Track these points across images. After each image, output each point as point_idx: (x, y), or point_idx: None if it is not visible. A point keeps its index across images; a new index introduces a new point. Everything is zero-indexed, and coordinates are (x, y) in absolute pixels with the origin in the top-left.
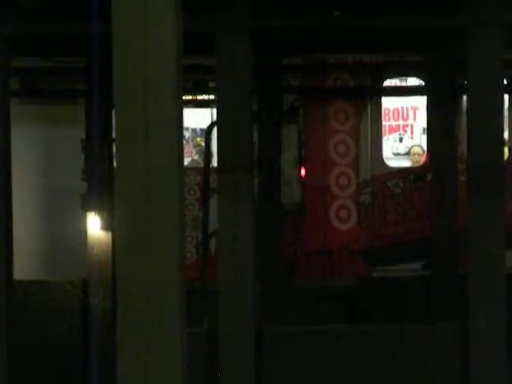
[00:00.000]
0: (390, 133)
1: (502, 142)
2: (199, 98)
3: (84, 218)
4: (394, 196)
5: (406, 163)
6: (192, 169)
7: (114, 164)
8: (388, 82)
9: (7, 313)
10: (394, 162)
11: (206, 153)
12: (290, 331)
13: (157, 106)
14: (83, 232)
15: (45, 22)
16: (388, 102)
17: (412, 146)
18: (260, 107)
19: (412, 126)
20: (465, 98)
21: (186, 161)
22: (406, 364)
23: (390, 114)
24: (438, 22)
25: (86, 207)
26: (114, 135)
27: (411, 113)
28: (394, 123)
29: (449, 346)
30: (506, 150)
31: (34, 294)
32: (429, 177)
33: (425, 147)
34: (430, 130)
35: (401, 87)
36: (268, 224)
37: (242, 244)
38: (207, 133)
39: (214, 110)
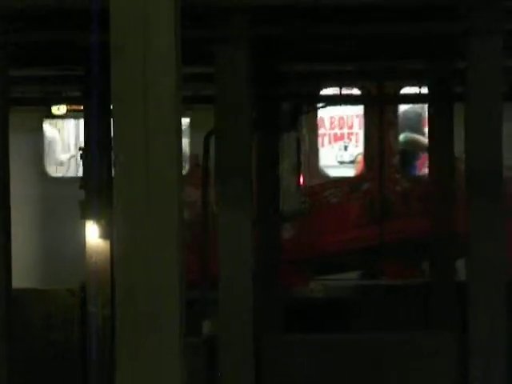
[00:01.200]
0: (335, 141)
1: (501, 147)
2: None
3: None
4: (331, 205)
5: (351, 171)
6: None
7: (113, 171)
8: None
9: (6, 321)
10: (338, 171)
11: (205, 161)
12: (289, 339)
13: (156, 115)
14: None
15: (43, 30)
16: (333, 111)
17: (358, 155)
18: (259, 114)
19: (357, 134)
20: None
21: None
22: (406, 373)
23: (336, 123)
24: (436, 29)
25: (85, 215)
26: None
27: (356, 121)
28: (338, 131)
29: (448, 354)
30: None
31: (33, 302)
32: (365, 186)
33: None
34: (367, 139)
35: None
36: (266, 231)
37: (240, 251)
38: (206, 140)
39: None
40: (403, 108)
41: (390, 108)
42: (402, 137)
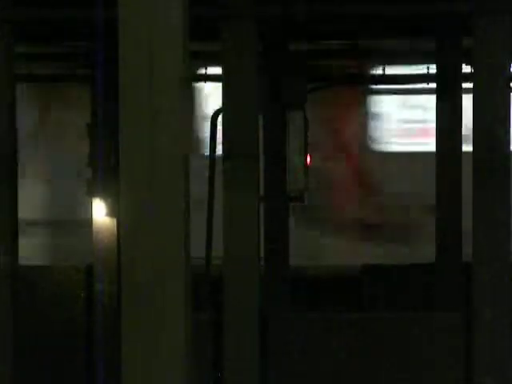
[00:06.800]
0: None
1: (509, 127)
2: None
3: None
4: None
5: None
6: None
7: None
8: None
9: (12, 298)
10: None
11: (212, 140)
12: (294, 317)
13: (163, 92)
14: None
15: (49, 6)
16: None
17: None
18: (265, 93)
19: None
20: None
21: None
22: (409, 352)
23: None
24: (444, 9)
25: (92, 193)
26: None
27: None
28: None
29: (452, 334)
30: None
31: (39, 279)
32: None
33: None
34: None
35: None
36: (273, 211)
37: (246, 231)
38: (213, 120)
39: None
40: None
41: None
42: None
